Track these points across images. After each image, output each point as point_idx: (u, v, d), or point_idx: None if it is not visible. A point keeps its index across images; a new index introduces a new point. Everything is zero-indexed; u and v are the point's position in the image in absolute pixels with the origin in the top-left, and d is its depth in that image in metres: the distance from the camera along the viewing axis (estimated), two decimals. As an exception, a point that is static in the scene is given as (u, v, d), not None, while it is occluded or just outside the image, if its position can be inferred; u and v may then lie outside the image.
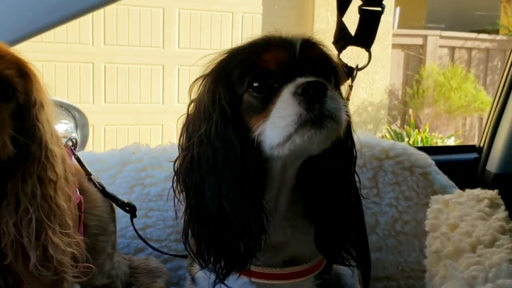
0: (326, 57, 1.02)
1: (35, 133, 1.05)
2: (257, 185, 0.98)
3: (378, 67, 6.81)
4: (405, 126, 7.40)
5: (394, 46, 7.21)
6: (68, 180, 1.12)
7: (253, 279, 1.09)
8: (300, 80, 0.91)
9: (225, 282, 1.05)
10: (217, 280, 1.03)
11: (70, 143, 1.35)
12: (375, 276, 1.39)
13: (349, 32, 1.39)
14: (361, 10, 1.38)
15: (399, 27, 7.81)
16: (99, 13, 6.10)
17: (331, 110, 0.90)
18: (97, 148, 5.69)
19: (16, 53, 1.05)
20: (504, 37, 8.41)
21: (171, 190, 1.06)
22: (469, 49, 8.07)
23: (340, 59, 1.38)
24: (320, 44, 1.03)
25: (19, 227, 1.00)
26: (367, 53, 1.39)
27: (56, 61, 5.84)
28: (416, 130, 6.89)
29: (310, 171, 1.04)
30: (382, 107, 7.26)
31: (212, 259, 1.01)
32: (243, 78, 0.96)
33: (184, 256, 1.65)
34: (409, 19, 8.25)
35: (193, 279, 1.22)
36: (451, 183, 1.73)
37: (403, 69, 7.65)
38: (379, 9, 1.37)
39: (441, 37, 7.88)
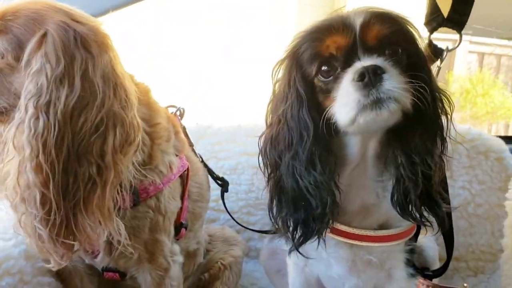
0: (389, 33, 0.99)
1: None
2: (328, 162, 1.03)
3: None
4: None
5: (423, 49, 7.16)
6: None
7: (347, 240, 1.14)
8: (357, 65, 0.94)
9: (322, 240, 1.10)
10: (296, 246, 1.10)
11: (178, 113, 1.41)
12: (444, 256, 1.42)
13: (442, 14, 1.41)
14: (455, -8, 1.40)
15: (429, 30, 7.75)
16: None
17: (388, 93, 0.92)
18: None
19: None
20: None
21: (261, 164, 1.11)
22: (499, 56, 8.01)
23: (431, 41, 1.41)
24: (386, 17, 1.00)
25: None
26: None
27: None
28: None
29: (392, 137, 1.06)
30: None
31: (291, 228, 1.08)
32: (312, 64, 1.01)
33: (265, 232, 1.71)
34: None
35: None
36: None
37: (430, 73, 7.59)
38: None
39: (471, 42, 7.83)
